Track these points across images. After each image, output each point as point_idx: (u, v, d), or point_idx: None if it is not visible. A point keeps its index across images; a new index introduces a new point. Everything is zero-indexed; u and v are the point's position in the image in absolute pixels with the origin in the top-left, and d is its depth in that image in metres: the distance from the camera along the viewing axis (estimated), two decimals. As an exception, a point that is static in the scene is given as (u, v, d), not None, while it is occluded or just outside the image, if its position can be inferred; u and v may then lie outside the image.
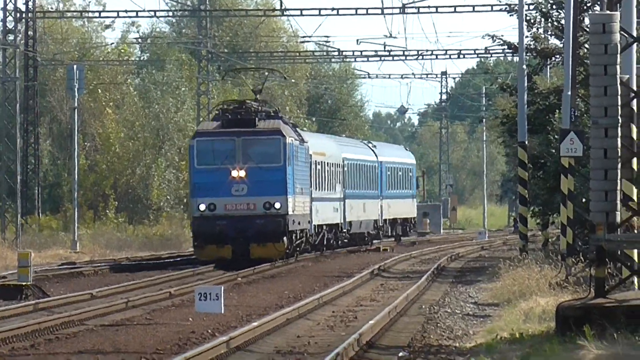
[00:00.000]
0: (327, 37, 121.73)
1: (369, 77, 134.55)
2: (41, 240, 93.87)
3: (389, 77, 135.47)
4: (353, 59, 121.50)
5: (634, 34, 31.14)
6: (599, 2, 34.04)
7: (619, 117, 29.38)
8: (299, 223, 62.41)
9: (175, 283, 55.57)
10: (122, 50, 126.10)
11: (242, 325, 35.78)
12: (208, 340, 31.84)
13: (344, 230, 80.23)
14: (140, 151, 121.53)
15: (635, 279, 31.26)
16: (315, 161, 71.33)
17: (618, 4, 31.57)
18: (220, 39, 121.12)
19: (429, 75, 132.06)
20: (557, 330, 28.42)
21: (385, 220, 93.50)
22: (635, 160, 30.25)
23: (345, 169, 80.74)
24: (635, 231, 30.89)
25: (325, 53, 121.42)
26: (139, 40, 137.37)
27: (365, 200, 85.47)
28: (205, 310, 40.16)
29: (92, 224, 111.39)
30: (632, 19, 34.23)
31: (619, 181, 30.34)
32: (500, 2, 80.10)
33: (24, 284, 50.34)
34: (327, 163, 76.55)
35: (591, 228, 32.25)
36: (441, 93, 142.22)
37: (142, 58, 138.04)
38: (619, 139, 29.47)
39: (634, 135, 30.13)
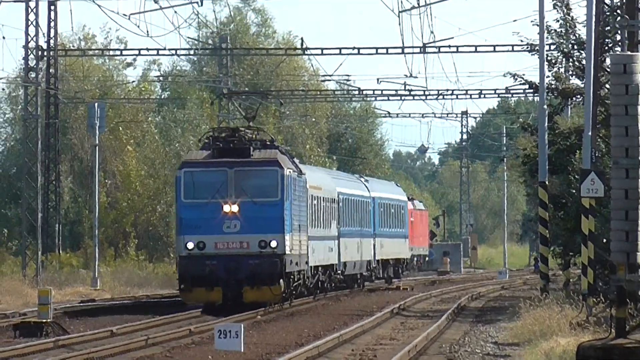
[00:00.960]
0: (348, 76, 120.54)
1: (390, 116, 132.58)
2: (61, 278, 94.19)
3: (410, 116, 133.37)
4: (374, 98, 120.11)
5: None
6: (619, 43, 34.16)
7: None
8: (296, 264, 56.37)
9: (195, 320, 54.38)
10: (143, 88, 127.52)
11: None
12: None
13: (339, 272, 74.11)
14: (161, 189, 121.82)
15: None
16: (312, 195, 64.79)
17: (639, 45, 31.88)
18: (241, 77, 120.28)
19: (449, 115, 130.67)
20: None
21: (378, 260, 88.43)
22: None
23: (340, 204, 75.31)
24: None
25: (345, 92, 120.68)
26: (160, 78, 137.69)
27: (360, 239, 79.97)
28: (225, 347, 39.63)
29: (112, 261, 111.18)
30: None
31: None
32: (521, 42, 78.31)
33: (44, 321, 49.50)
34: (323, 198, 70.18)
35: (612, 268, 32.54)
36: (462, 132, 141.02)
37: (162, 96, 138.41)
38: (639, 180, 29.11)
39: None
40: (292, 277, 52.90)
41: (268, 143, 58.46)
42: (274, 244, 52.35)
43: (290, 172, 54.96)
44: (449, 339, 46.79)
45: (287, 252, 52.70)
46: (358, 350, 42.76)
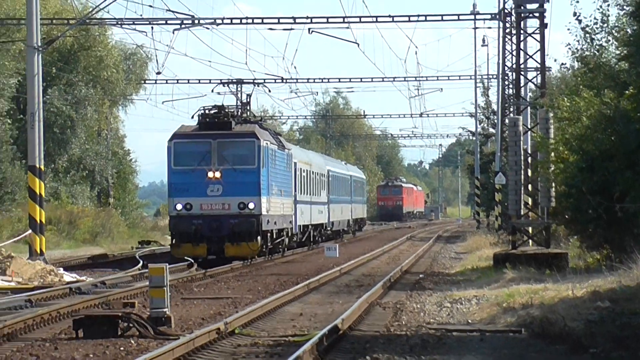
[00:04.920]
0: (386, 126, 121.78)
1: (405, 147, 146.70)
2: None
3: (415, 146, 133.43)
4: (398, 137, 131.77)
5: (528, 125, 34.35)
6: (513, 110, 32.84)
7: (522, 165, 29.01)
8: (274, 223, 37.29)
9: (311, 248, 48.46)
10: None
11: (346, 262, 35.83)
12: (331, 269, 32.13)
13: (328, 229, 52.30)
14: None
15: (530, 241, 31.90)
16: (301, 169, 44.19)
17: (521, 112, 31.40)
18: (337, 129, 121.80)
19: (434, 145, 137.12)
20: (494, 265, 29.19)
21: (351, 219, 64.49)
22: (529, 185, 30.79)
23: (330, 179, 53.10)
24: (530, 218, 31.28)
25: (385, 135, 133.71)
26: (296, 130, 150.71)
27: (342, 205, 57.79)
28: (329, 255, 37.86)
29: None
30: (527, 119, 35.08)
31: (522, 195, 29.62)
32: (466, 110, 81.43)
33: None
34: (313, 172, 48.49)
35: (508, 217, 33.40)
36: (439, 154, 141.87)
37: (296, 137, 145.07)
38: (522, 175, 29.00)
39: (529, 174, 30.18)
40: (271, 234, 35.58)
41: (251, 120, 37.87)
42: (251, 205, 32.81)
43: (267, 144, 35.51)
44: (434, 250, 51.37)
45: (264, 212, 34.23)
46: (392, 256, 43.80)
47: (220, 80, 40.37)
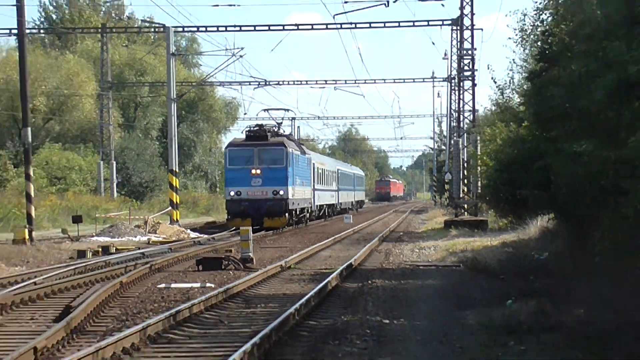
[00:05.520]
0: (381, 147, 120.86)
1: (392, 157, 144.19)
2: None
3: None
4: (389, 152, 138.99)
5: (465, 144, 31.72)
6: (455, 135, 30.62)
7: (461, 168, 29.43)
8: (298, 204, 32.91)
9: (326, 220, 45.26)
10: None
11: (356, 226, 34.86)
12: (347, 230, 31.26)
13: (337, 207, 47.03)
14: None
15: (466, 213, 31.24)
16: (317, 167, 39.47)
17: (461, 136, 30.57)
18: (351, 147, 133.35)
19: (409, 157, 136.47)
20: (444, 227, 28.84)
21: (354, 201, 59.28)
22: (465, 180, 31.25)
23: (339, 174, 48.58)
24: (465, 199, 30.85)
25: (380, 151, 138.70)
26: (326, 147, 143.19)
27: (347, 192, 52.93)
28: (347, 222, 37.42)
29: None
30: (464, 140, 32.10)
31: (460, 185, 30.12)
32: (428, 135, 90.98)
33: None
34: (326, 170, 43.96)
35: (453, 198, 32.41)
36: (412, 162, 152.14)
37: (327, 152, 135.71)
38: (461, 174, 29.74)
39: (465, 173, 30.25)
40: (295, 212, 32.07)
41: (281, 134, 34.01)
42: (282, 192, 29.76)
43: (292, 150, 32.20)
44: (409, 218, 48.68)
45: (290, 197, 30.90)
46: (382, 222, 43.34)
47: (281, 116, 38.60)
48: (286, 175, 32.17)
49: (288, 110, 39.33)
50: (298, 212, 35.86)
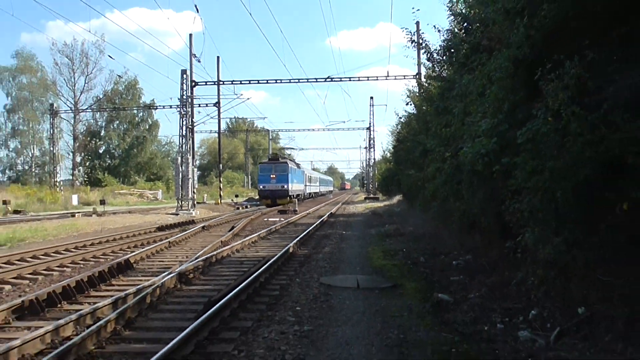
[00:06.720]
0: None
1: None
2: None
3: (350, 173, 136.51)
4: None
5: (374, 167, 38.35)
6: (364, 165, 39.82)
7: (371, 178, 34.76)
8: (296, 192, 52.63)
9: (312, 200, 44.22)
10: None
11: (333, 199, 40.91)
12: (326, 201, 36.94)
13: (319, 194, 70.03)
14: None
15: (371, 194, 37.38)
16: (307, 176, 60.25)
17: (369, 166, 37.46)
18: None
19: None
20: (364, 200, 36.53)
21: (328, 191, 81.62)
22: (371, 181, 36.00)
23: (320, 179, 72.35)
24: (372, 189, 36.97)
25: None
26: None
27: (325, 186, 76.45)
28: (328, 196, 43.00)
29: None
30: (374, 165, 38.48)
31: (370, 184, 34.46)
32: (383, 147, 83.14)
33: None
34: (312, 176, 64.69)
35: (368, 189, 40.81)
36: (354, 176, 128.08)
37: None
38: (370, 180, 35.37)
39: (372, 179, 34.82)
40: (293, 195, 50.58)
41: (286, 157, 55.01)
42: (286, 187, 49.59)
43: (292, 165, 52.00)
44: (351, 196, 52.04)
45: (291, 189, 50.17)
46: (341, 202, 40.53)
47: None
48: (287, 178, 47.08)
49: (293, 149, 53.85)
50: (294, 196, 48.00)
